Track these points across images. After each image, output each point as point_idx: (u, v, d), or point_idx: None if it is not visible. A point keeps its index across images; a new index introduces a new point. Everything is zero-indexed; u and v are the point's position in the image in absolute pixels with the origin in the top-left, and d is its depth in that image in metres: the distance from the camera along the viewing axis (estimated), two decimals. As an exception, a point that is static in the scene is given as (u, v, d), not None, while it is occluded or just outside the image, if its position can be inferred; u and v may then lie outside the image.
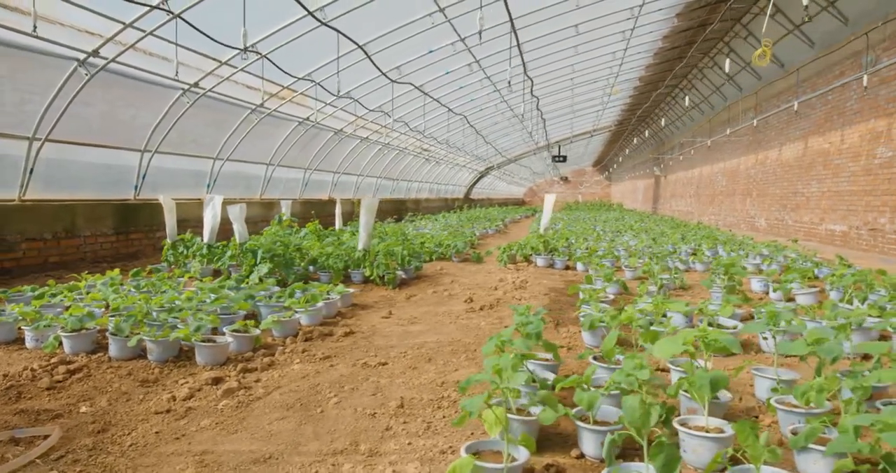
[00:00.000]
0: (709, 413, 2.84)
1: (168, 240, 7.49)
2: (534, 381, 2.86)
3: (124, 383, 3.49)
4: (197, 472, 2.43)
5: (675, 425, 2.49)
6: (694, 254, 10.29)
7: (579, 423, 2.51)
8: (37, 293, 5.04)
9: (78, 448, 2.64)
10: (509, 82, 9.20)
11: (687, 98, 18.76)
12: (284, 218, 10.98)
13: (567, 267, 9.09)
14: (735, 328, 4.24)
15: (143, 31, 6.81)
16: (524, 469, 2.39)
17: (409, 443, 2.69)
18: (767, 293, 6.55)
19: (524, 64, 12.12)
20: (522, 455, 2.20)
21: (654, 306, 4.28)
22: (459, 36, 11.29)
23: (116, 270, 6.11)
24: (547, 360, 3.56)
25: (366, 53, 9.59)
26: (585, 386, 2.52)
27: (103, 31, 6.69)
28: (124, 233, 8.70)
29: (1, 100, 6.63)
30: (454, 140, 20.72)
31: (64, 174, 7.84)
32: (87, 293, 5.32)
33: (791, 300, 6.03)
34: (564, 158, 35.55)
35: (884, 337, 4.43)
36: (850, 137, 12.03)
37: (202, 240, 7.48)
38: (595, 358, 3.49)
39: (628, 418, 2.03)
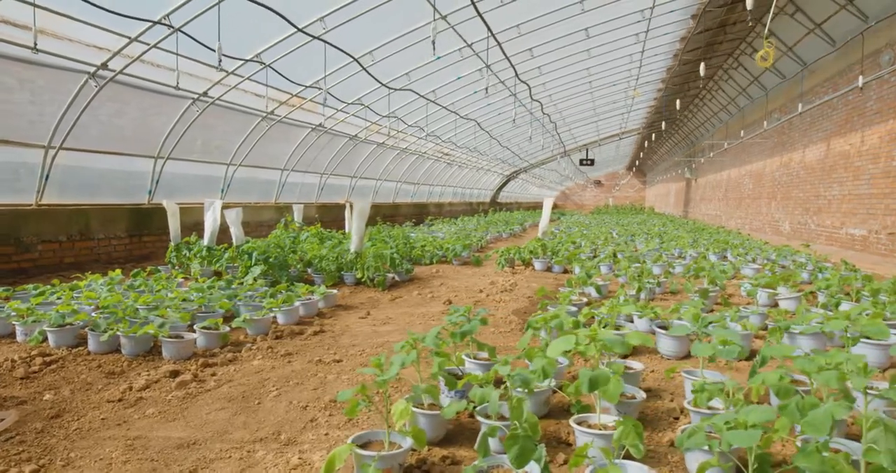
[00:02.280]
0: (619, 412, 2.93)
1: (172, 243, 7.86)
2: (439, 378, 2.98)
3: (92, 374, 3.76)
4: (123, 454, 2.65)
5: (570, 422, 2.58)
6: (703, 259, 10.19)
7: (480, 418, 2.62)
8: (37, 291, 5.40)
9: (28, 431, 2.90)
10: (486, 89, 9.28)
11: (678, 101, 18.40)
12: (296, 222, 11.33)
13: (565, 271, 9.12)
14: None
15: (148, 44, 7.20)
16: (419, 459, 2.53)
17: (327, 434, 2.85)
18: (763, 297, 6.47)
19: (517, 75, 12.22)
20: (406, 444, 2.33)
21: (608, 309, 4.35)
22: (465, 42, 11.45)
23: (118, 270, 6.47)
24: (487, 359, 3.67)
25: (361, 65, 9.84)
26: (485, 383, 2.63)
27: (111, 46, 7.11)
28: (137, 236, 9.15)
29: (18, 112, 7.11)
30: (470, 144, 20.84)
31: (79, 180, 8.32)
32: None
33: (776, 305, 5.97)
34: (592, 161, 35.17)
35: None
36: (869, 139, 11.66)
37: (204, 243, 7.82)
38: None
39: (490, 411, 2.14)
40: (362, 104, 12.45)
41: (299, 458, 2.56)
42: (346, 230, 11.85)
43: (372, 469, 2.07)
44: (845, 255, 11.42)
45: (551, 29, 12.01)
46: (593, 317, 4.52)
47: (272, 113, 10.93)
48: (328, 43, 8.35)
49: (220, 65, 6.16)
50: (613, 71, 17.42)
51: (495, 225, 18.12)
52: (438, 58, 11.75)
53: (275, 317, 5.25)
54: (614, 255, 9.53)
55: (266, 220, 12.76)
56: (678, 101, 13.80)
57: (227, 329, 4.49)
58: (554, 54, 13.85)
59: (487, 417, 2.66)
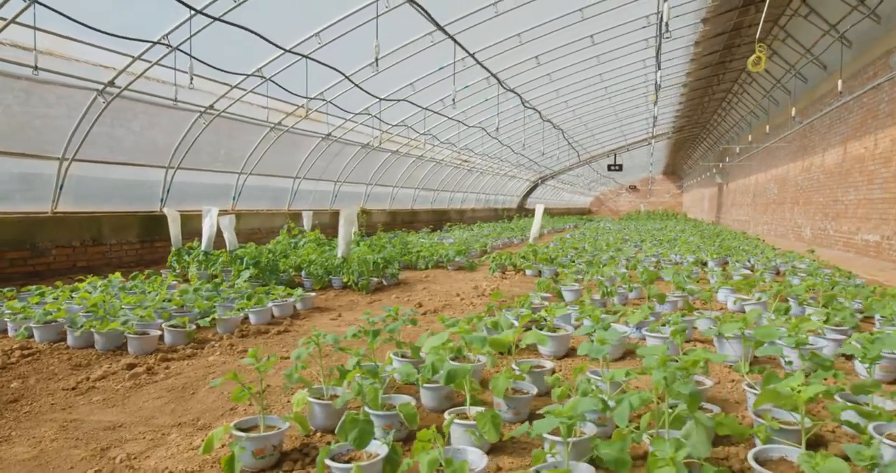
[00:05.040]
0: (509, 406, 3.11)
1: (173, 248, 8.35)
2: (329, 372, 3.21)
3: (60, 366, 4.15)
4: (55, 433, 2.99)
5: (445, 414, 2.78)
6: (704, 264, 10.18)
7: (367, 409, 2.85)
8: (37, 292, 5.89)
9: (-16, 413, 3.27)
10: (454, 99, 9.48)
11: (657, 107, 18.16)
12: (306, 229, 11.77)
13: (557, 275, 9.21)
14: (625, 334, 4.38)
15: (150, 62, 7.72)
16: (304, 443, 2.77)
17: (239, 421, 3.12)
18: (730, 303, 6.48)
19: (501, 84, 12.40)
20: (283, 427, 2.59)
21: (546, 311, 4.51)
22: (468, 51, 11.70)
23: (117, 273, 6.95)
24: (412, 357, 3.89)
25: (353, 82, 10.20)
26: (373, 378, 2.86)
27: (117, 65, 7.67)
28: (149, 242, 9.72)
29: (34, 126, 7.73)
30: (483, 151, 21.02)
31: (92, 189, 8.94)
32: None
33: (744, 310, 5.99)
34: (620, 167, 34.84)
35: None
36: (882, 142, 11.35)
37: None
38: (454, 358, 3.78)
39: (340, 401, 2.36)
40: (369, 114, 12.83)
41: (202, 440, 2.84)
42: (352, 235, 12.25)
43: (238, 447, 2.33)
44: (860, 262, 11.13)
45: (552, 37, 12.14)
46: (535, 320, 4.70)
47: (279, 123, 11.41)
48: (315, 60, 8.73)
49: (191, 82, 6.60)
50: (628, 76, 17.37)
51: (510, 230, 18.25)
52: (441, 68, 12.05)
53: (246, 317, 5.58)
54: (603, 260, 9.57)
55: (278, 226, 13.24)
56: (657, 107, 13.62)
57: (194, 327, 4.84)
58: (561, 61, 13.95)
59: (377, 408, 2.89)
